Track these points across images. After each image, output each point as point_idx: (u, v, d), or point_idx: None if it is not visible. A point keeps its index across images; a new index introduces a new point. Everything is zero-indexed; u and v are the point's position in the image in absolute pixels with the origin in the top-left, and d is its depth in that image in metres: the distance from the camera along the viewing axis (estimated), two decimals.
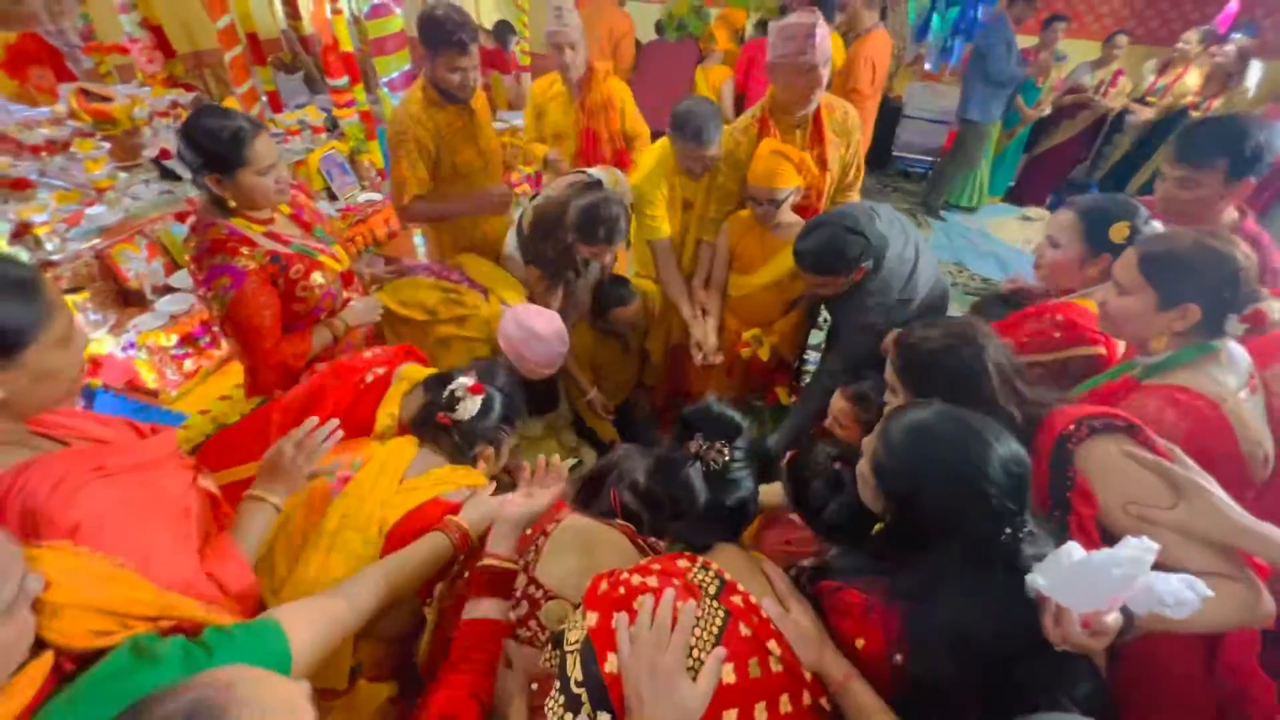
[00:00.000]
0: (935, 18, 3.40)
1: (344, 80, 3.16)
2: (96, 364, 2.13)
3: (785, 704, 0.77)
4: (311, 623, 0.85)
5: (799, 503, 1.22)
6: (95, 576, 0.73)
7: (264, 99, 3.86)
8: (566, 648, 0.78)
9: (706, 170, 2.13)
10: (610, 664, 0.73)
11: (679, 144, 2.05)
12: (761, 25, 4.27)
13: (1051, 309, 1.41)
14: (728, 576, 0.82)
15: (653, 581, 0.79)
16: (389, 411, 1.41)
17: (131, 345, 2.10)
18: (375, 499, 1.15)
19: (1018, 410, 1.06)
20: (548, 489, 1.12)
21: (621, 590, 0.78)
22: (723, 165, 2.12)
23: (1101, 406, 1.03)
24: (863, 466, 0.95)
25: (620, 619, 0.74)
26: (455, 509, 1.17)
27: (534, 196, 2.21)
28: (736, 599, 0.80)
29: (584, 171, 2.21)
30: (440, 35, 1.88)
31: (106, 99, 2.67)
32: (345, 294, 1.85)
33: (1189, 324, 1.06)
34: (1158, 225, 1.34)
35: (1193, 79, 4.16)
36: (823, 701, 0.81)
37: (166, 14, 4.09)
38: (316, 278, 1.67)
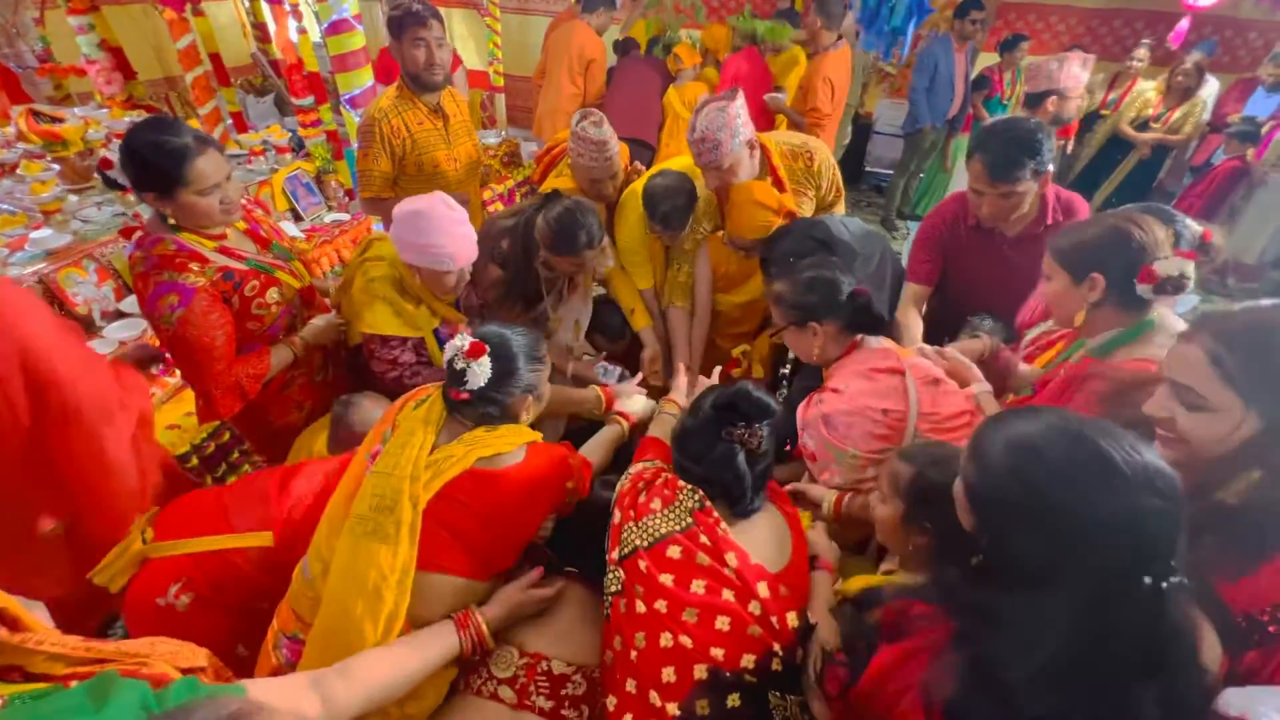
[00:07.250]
0: (884, 9, 3.56)
1: (309, 100, 3.11)
2: None
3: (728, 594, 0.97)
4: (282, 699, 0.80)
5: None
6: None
7: (228, 120, 3.80)
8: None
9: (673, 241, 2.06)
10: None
11: (648, 220, 1.99)
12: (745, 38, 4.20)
13: None
14: (708, 504, 1.05)
15: (655, 504, 1.07)
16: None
17: None
18: (402, 474, 1.03)
19: None
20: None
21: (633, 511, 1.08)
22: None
23: None
24: (956, 487, 0.81)
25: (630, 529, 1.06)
26: (494, 477, 1.06)
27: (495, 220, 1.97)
28: (709, 519, 1.03)
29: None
30: (400, 13, 1.93)
31: (57, 120, 2.58)
32: (307, 313, 1.77)
33: (1100, 293, 1.17)
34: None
35: (1150, 93, 4.31)
36: (772, 621, 0.96)
37: (126, 36, 4.02)
38: (273, 294, 1.59)
